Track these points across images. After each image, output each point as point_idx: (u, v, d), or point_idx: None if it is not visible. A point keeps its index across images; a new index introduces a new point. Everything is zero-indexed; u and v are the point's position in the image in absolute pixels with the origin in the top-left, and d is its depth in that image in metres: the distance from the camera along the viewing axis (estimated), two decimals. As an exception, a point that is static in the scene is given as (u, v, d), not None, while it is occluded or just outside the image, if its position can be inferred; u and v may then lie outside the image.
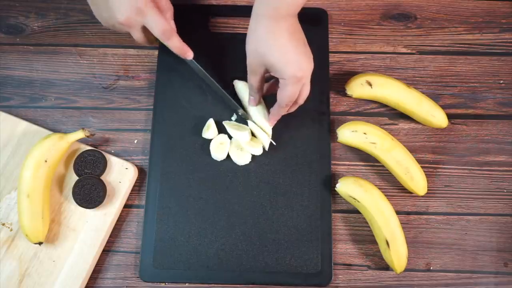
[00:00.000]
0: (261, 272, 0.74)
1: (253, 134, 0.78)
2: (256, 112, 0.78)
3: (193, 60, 0.76)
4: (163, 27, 0.71)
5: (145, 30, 0.73)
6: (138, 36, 0.74)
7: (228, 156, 0.78)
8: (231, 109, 0.80)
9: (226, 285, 0.74)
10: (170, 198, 0.76)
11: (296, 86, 0.69)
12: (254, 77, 0.72)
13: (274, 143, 0.78)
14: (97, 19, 0.75)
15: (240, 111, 0.79)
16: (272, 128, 0.78)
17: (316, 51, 0.72)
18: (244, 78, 0.75)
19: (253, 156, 0.78)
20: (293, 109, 0.75)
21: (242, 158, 0.77)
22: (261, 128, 0.78)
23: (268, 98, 0.78)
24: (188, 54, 0.76)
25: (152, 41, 0.76)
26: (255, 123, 0.78)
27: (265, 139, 0.77)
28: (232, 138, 0.78)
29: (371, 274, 0.76)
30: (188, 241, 0.75)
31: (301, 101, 0.73)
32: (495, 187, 0.79)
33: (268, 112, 0.77)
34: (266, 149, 0.78)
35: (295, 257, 0.74)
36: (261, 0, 0.66)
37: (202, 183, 0.77)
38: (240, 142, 0.77)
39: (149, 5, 0.70)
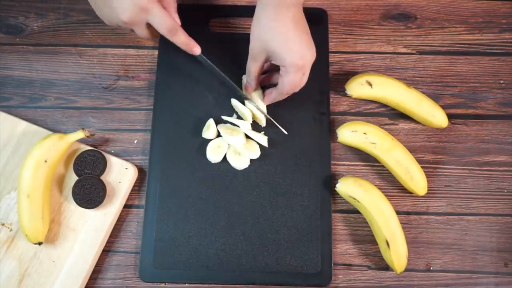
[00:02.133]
0: (261, 272, 0.74)
1: (247, 137, 0.78)
2: (251, 98, 0.78)
3: (202, 55, 0.74)
4: (168, 24, 0.70)
5: (149, 26, 0.72)
6: (142, 33, 0.73)
7: (225, 158, 0.78)
8: (231, 109, 0.80)
9: (226, 285, 0.74)
10: (170, 198, 0.76)
11: (297, 75, 0.70)
12: (254, 63, 0.73)
13: (272, 120, 0.79)
14: (99, 19, 0.74)
15: (241, 93, 0.79)
16: (271, 128, 0.78)
17: (316, 51, 0.72)
18: None
19: (253, 156, 0.78)
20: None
21: (240, 163, 0.77)
22: (258, 108, 0.78)
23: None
24: (195, 49, 0.73)
25: (157, 36, 0.75)
26: (253, 104, 0.78)
27: (262, 139, 0.77)
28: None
29: (371, 274, 0.76)
30: (188, 241, 0.75)
31: (297, 89, 0.74)
32: (495, 187, 0.79)
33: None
34: (266, 145, 0.77)
35: (295, 257, 0.74)
36: None
37: (202, 183, 0.77)
38: (236, 147, 0.77)
39: (152, 1, 0.69)
